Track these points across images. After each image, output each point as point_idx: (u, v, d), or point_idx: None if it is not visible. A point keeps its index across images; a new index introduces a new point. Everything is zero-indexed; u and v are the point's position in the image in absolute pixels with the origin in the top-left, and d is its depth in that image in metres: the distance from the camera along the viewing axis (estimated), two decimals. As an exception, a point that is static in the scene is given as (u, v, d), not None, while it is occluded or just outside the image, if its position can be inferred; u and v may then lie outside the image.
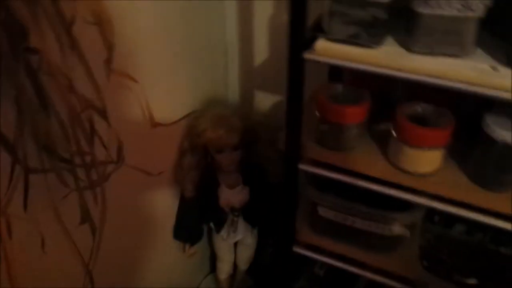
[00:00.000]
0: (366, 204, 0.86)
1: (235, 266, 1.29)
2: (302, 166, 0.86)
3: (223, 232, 1.14)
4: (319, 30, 0.74)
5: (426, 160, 0.77)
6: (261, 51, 1.15)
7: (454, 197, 0.77)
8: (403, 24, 0.71)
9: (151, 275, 1.09)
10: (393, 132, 0.78)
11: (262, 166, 1.10)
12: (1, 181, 0.55)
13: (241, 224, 1.13)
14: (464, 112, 0.77)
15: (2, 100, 0.56)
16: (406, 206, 0.85)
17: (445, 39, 0.68)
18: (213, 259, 1.31)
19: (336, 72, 0.96)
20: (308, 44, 0.73)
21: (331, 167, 0.84)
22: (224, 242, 1.19)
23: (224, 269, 1.26)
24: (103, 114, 0.65)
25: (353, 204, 0.86)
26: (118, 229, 0.88)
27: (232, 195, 1.08)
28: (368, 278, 0.96)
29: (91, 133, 0.64)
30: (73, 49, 0.57)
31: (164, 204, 1.07)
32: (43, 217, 0.64)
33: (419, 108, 0.79)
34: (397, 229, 0.87)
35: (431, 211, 0.97)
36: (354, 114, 0.80)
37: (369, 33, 0.70)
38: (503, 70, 0.65)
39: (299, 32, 0.72)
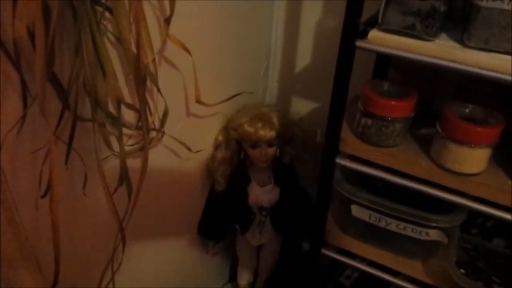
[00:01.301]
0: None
1: (256, 275, 1.25)
2: (340, 161, 0.85)
3: (249, 233, 1.12)
4: (373, 25, 0.75)
5: (472, 159, 0.75)
6: (303, 57, 1.16)
7: (498, 200, 0.74)
8: (459, 17, 0.70)
9: (168, 267, 1.06)
10: (439, 129, 0.76)
11: (294, 167, 1.09)
12: (49, 125, 0.55)
13: (268, 226, 1.11)
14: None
15: (65, 48, 0.57)
16: (445, 210, 0.83)
17: (503, 34, 0.67)
18: (233, 268, 1.28)
19: (381, 73, 0.96)
20: (361, 35, 0.73)
21: (370, 164, 0.83)
22: (247, 246, 1.17)
23: (245, 275, 1.23)
24: (154, 78, 0.66)
25: (391, 203, 0.83)
26: (151, 200, 0.88)
27: (262, 193, 1.06)
28: (399, 287, 0.93)
29: (141, 96, 0.64)
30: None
31: (196, 192, 1.06)
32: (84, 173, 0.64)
33: (467, 109, 0.78)
34: (434, 233, 0.83)
35: (469, 223, 0.95)
36: (400, 108, 0.78)
37: (425, 24, 0.70)
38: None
39: (354, 20, 0.72)
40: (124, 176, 0.64)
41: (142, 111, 0.59)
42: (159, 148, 0.85)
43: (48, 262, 0.56)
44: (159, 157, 0.86)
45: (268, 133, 0.98)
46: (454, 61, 0.68)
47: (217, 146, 1.04)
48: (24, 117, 0.54)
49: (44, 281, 0.56)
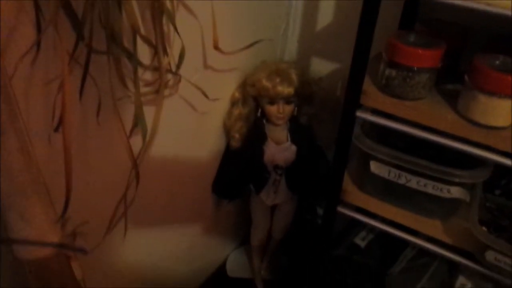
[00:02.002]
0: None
1: (269, 236, 1.24)
2: (361, 114, 0.82)
3: (263, 193, 1.10)
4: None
5: (501, 111, 0.71)
6: (324, 16, 1.11)
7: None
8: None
9: (181, 217, 1.05)
10: (467, 79, 0.73)
11: (312, 127, 1.07)
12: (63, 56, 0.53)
13: (283, 186, 1.09)
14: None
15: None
16: (468, 168, 0.80)
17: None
18: (247, 231, 1.26)
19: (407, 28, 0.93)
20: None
21: (391, 117, 0.80)
22: (261, 206, 1.15)
23: (258, 235, 1.22)
24: (171, 16, 0.63)
25: (412, 157, 0.80)
26: (165, 152, 0.87)
27: (277, 152, 1.04)
28: (417, 247, 0.91)
29: (159, 34, 0.62)
30: None
31: (211, 148, 1.05)
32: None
33: (498, 60, 0.74)
34: (456, 191, 0.81)
35: (492, 185, 0.92)
36: (427, 58, 0.75)
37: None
38: None
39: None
40: (138, 116, 0.62)
41: (158, 43, 0.57)
42: (176, 99, 0.83)
43: (60, 195, 0.55)
44: (175, 108, 0.84)
45: (286, 89, 0.96)
46: (489, 4, 0.64)
47: (233, 103, 1.02)
48: (38, 44, 0.52)
49: (55, 214, 0.55)
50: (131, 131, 0.66)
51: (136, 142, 0.68)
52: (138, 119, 0.63)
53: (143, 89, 0.67)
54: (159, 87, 0.64)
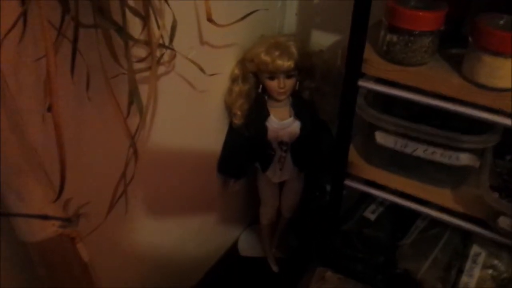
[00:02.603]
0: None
1: (278, 214, 1.24)
2: (363, 83, 0.80)
3: (270, 170, 1.09)
4: None
5: (507, 71, 0.69)
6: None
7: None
8: None
9: (187, 200, 1.05)
10: (471, 41, 0.70)
11: (314, 101, 1.05)
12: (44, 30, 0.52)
13: (289, 162, 1.08)
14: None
15: None
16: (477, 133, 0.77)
17: None
18: (256, 211, 1.26)
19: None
20: None
21: (394, 86, 0.78)
22: (269, 184, 1.14)
23: (267, 214, 1.21)
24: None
25: (418, 125, 0.78)
26: (165, 134, 0.86)
27: (281, 128, 1.02)
28: (428, 217, 0.89)
29: (148, 4, 0.60)
30: None
31: (213, 127, 1.04)
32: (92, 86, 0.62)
33: (502, 20, 0.71)
34: (465, 157, 0.78)
35: (502, 151, 0.89)
36: (429, 20, 0.72)
37: None
38: None
39: None
40: (133, 93, 0.61)
41: (147, 14, 0.55)
42: (173, 77, 0.82)
43: (58, 176, 0.55)
44: (174, 86, 0.83)
45: (286, 63, 0.94)
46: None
47: (233, 80, 1.00)
48: (24, 19, 0.51)
49: (54, 193, 0.54)
50: (128, 109, 0.65)
51: (134, 121, 0.67)
52: (133, 96, 0.62)
53: (137, 65, 0.66)
54: (152, 61, 0.63)
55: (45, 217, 0.55)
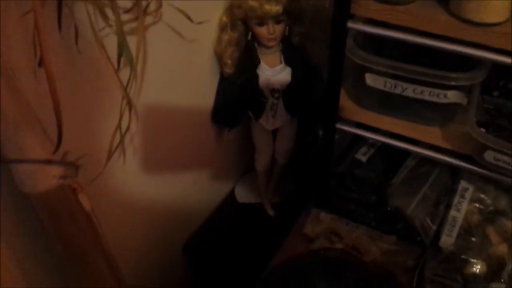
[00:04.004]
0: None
1: (273, 161, 1.26)
2: (352, 25, 0.80)
3: (263, 118, 1.10)
4: None
5: (493, 5, 0.69)
6: None
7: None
8: None
9: (183, 150, 1.07)
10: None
11: (305, 47, 1.04)
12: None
13: (281, 109, 1.09)
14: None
15: None
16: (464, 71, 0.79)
17: None
18: (251, 158, 1.28)
19: None
20: None
21: (383, 25, 0.78)
22: (262, 132, 1.16)
23: (262, 161, 1.23)
24: None
25: (407, 65, 0.79)
26: (157, 85, 0.86)
27: (272, 75, 1.03)
28: (418, 156, 0.92)
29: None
30: None
31: (205, 77, 1.04)
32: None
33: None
34: (453, 95, 0.80)
35: (490, 86, 0.91)
36: (416, -44, 0.72)
37: None
38: None
39: None
40: (122, 44, 0.61)
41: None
42: (161, 27, 0.81)
43: (55, 130, 0.56)
44: (161, 37, 0.82)
45: (274, 7, 0.93)
46: None
47: (222, 28, 0.99)
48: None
49: (52, 146, 0.55)
50: (118, 61, 0.65)
51: (126, 73, 0.68)
52: (122, 48, 0.62)
53: (124, 17, 0.66)
54: (138, 11, 0.63)
55: (48, 162, 0.56)
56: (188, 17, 0.74)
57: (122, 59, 0.65)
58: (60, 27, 0.58)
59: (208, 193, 1.26)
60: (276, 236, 1.14)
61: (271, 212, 1.29)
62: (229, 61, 1.01)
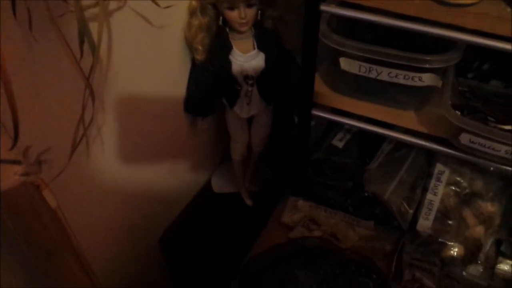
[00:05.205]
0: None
1: (249, 149, 1.24)
2: (325, 7, 0.78)
3: (237, 106, 1.08)
4: None
5: (469, -14, 0.68)
6: None
7: (496, 31, 0.69)
8: None
9: (154, 141, 1.04)
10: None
11: (278, 31, 1.02)
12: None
13: (256, 96, 1.06)
14: None
15: None
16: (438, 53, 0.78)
17: None
18: (227, 148, 1.26)
19: None
20: None
21: (356, 7, 0.76)
22: (237, 120, 1.13)
23: (237, 150, 1.21)
24: None
25: (381, 48, 0.78)
26: (125, 75, 0.83)
27: (245, 61, 1.00)
28: (394, 140, 0.91)
29: None
30: None
31: (175, 65, 1.00)
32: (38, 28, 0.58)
33: None
34: (428, 78, 0.79)
35: (464, 68, 0.90)
36: None
37: None
38: None
39: None
40: (83, 30, 0.58)
41: None
42: (126, 12, 0.77)
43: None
44: (128, 23, 0.79)
45: (245, -10, 0.90)
46: None
47: (192, 13, 0.95)
48: None
49: (11, 141, 0.52)
50: (80, 49, 0.61)
51: (89, 62, 0.64)
52: (83, 35, 0.58)
53: (85, 2, 0.62)
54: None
55: (7, 160, 0.52)
56: (155, 2, 0.71)
57: (84, 46, 0.61)
58: (14, 13, 0.54)
59: (184, 184, 1.24)
60: (254, 225, 1.13)
61: (248, 201, 1.27)
62: (200, 47, 0.97)
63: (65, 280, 0.72)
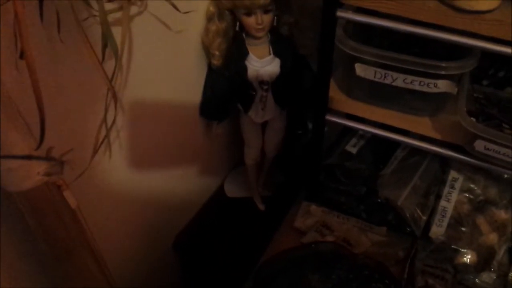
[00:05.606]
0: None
1: (263, 154, 1.25)
2: (342, 14, 0.79)
3: (252, 111, 1.09)
4: None
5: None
6: None
7: (513, 38, 0.69)
8: None
9: (171, 144, 1.05)
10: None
11: (293, 37, 1.03)
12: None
13: (270, 101, 1.07)
14: None
15: None
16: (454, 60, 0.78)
17: None
18: (240, 152, 1.27)
19: None
20: None
21: (373, 14, 0.77)
22: (252, 124, 1.15)
23: (251, 154, 1.22)
24: None
25: (397, 54, 0.78)
26: (144, 78, 0.85)
27: (261, 66, 1.01)
28: (408, 147, 0.91)
29: None
30: None
31: (192, 69, 1.02)
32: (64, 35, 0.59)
33: None
34: (443, 84, 0.79)
35: (480, 75, 0.91)
36: None
37: None
38: None
39: None
40: (106, 35, 0.59)
41: None
42: (146, 17, 0.79)
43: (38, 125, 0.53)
44: (147, 28, 0.80)
45: (262, -3, 0.91)
46: None
47: (209, 18, 0.97)
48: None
49: (35, 141, 0.53)
50: (103, 52, 0.63)
51: (111, 65, 0.66)
52: (107, 38, 0.60)
53: (108, 6, 0.63)
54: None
55: (31, 158, 0.54)
56: (175, 7, 0.72)
57: (107, 50, 0.63)
58: (41, 17, 0.56)
59: (197, 188, 1.25)
60: (266, 230, 1.13)
61: (261, 206, 1.28)
62: (216, 53, 0.99)
63: (82, 279, 0.73)
